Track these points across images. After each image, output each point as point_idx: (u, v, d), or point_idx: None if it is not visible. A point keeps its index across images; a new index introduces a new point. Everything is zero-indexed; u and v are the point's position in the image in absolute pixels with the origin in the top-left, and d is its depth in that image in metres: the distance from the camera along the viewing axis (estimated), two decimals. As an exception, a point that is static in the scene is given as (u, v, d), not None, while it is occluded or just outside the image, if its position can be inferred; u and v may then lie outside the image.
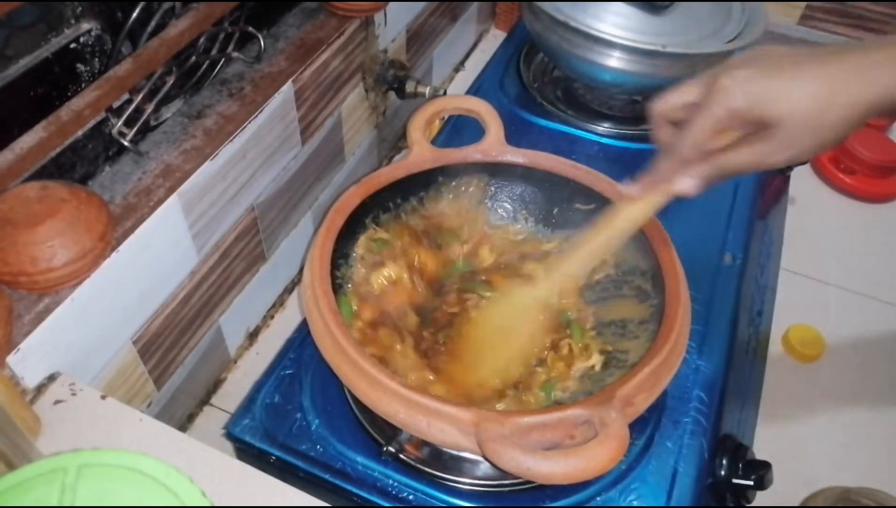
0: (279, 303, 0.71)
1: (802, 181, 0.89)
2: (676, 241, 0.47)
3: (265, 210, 0.62)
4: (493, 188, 0.56)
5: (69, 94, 0.47)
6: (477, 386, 0.45)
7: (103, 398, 0.41)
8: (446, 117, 0.67)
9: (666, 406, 0.49)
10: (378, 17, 0.69)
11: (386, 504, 0.44)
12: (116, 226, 0.45)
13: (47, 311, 0.41)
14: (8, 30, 0.42)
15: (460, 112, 0.57)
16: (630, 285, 0.51)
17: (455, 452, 0.45)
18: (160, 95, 0.51)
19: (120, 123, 0.49)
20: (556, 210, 0.55)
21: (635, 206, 0.40)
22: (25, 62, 0.44)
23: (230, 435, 0.47)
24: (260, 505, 0.36)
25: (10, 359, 0.39)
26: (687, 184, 0.38)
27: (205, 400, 0.64)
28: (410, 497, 0.44)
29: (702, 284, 0.55)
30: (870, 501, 0.58)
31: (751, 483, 0.47)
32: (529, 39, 0.78)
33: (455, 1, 0.89)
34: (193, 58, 0.54)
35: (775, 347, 0.73)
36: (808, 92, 0.33)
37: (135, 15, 0.48)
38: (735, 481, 0.47)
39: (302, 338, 0.51)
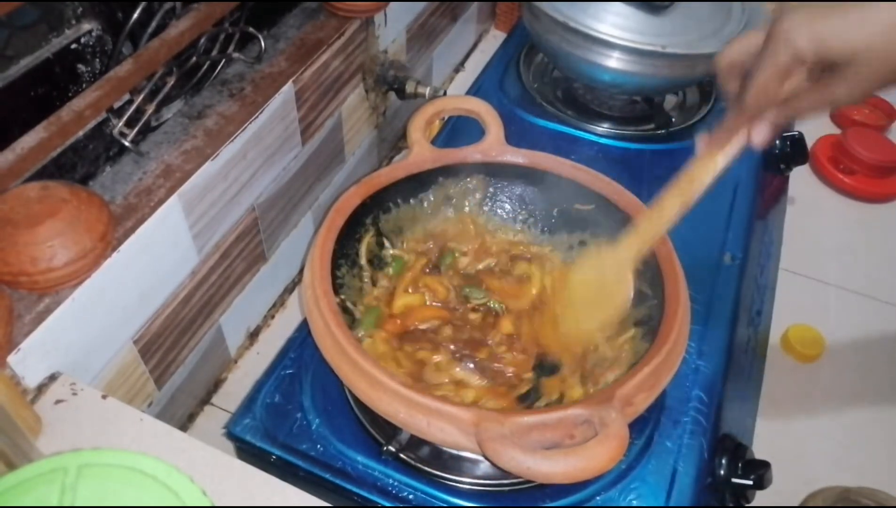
0: (280, 303, 0.71)
1: (802, 181, 0.89)
2: (676, 241, 0.47)
3: (266, 210, 0.62)
4: (492, 189, 0.56)
5: (70, 94, 0.47)
6: (566, 349, 0.47)
7: (104, 397, 0.41)
8: (446, 118, 0.67)
9: (665, 406, 0.49)
10: (378, 17, 0.69)
11: (386, 504, 0.44)
12: (117, 226, 0.45)
13: (48, 311, 0.41)
14: (9, 30, 0.42)
15: (460, 112, 0.57)
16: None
17: (455, 451, 0.45)
18: (161, 96, 0.51)
19: (121, 124, 0.49)
20: (555, 210, 0.55)
21: (710, 160, 0.40)
22: (26, 62, 0.44)
23: (231, 435, 0.47)
24: (260, 505, 0.36)
25: (11, 359, 0.39)
26: (758, 135, 0.37)
27: (205, 400, 0.64)
28: (411, 496, 0.44)
29: (701, 284, 0.55)
30: (869, 501, 0.58)
31: (750, 482, 0.47)
32: (529, 40, 0.78)
33: (455, 1, 0.89)
34: (194, 58, 0.54)
35: (775, 347, 0.73)
36: (876, 23, 0.32)
37: (135, 15, 0.48)
38: (734, 480, 0.47)
39: (302, 338, 0.52)
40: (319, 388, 0.49)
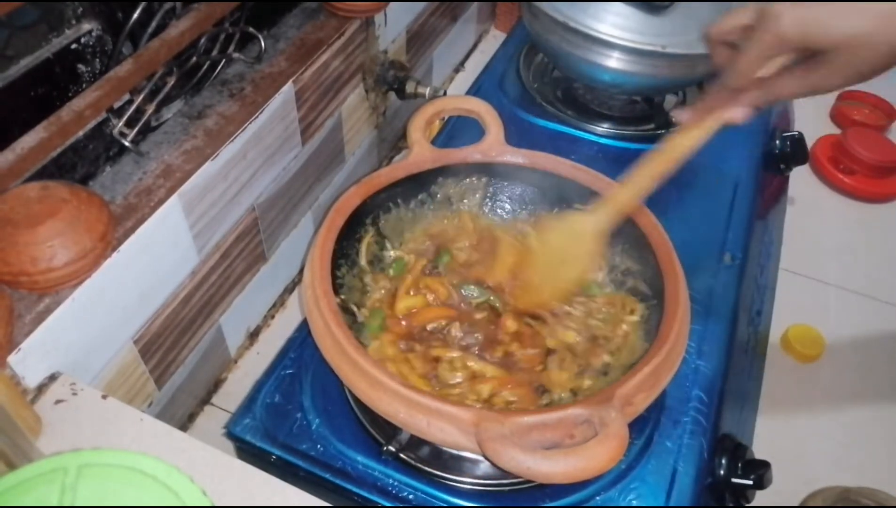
0: (280, 303, 0.71)
1: (802, 181, 0.89)
2: (676, 241, 0.47)
3: (266, 210, 0.62)
4: (492, 189, 0.56)
5: (70, 94, 0.47)
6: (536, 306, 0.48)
7: (104, 397, 0.41)
8: (446, 118, 0.67)
9: (665, 406, 0.49)
10: (378, 17, 0.69)
11: (386, 504, 0.44)
12: (117, 226, 0.45)
13: (48, 311, 0.41)
14: (9, 30, 0.42)
15: (460, 112, 0.57)
16: (628, 285, 0.51)
17: (455, 451, 0.45)
18: (161, 96, 0.51)
19: (121, 124, 0.49)
20: (555, 210, 0.55)
21: (688, 133, 0.40)
22: (26, 62, 0.44)
23: (231, 435, 0.47)
24: (260, 505, 0.36)
25: (11, 359, 0.39)
26: (737, 112, 0.38)
27: (205, 400, 0.64)
28: (411, 496, 0.44)
29: (701, 284, 0.55)
30: (869, 501, 0.58)
31: (750, 482, 0.47)
32: (529, 40, 0.78)
33: (455, 1, 0.89)
34: (194, 58, 0.54)
35: (775, 347, 0.73)
36: (862, 14, 0.32)
37: (135, 15, 0.48)
38: (734, 480, 0.47)
39: (302, 338, 0.52)
40: (319, 388, 0.49)
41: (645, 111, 0.73)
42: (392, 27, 0.74)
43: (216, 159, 0.52)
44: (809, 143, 0.76)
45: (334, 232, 0.47)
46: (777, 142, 0.73)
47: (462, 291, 0.51)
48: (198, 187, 0.51)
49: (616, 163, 0.67)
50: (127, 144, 0.49)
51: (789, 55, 0.35)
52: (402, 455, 0.45)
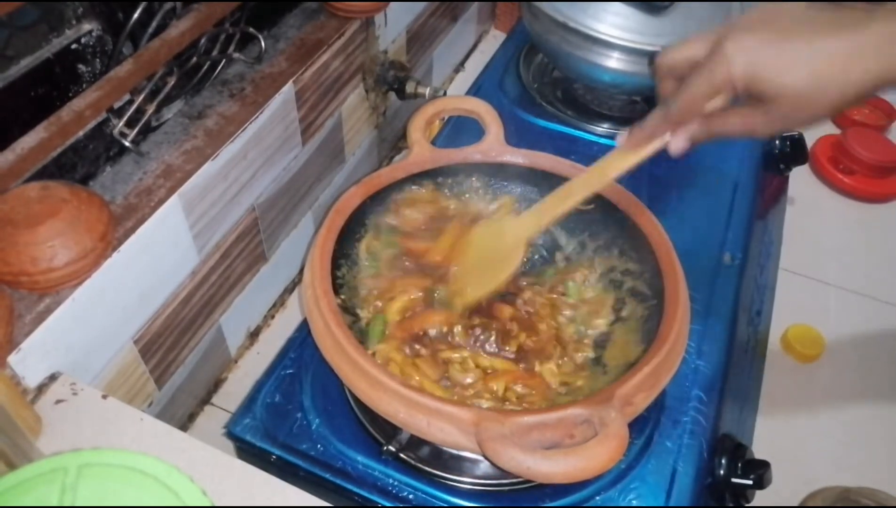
0: (280, 303, 0.71)
1: (801, 181, 0.89)
2: (676, 241, 0.47)
3: (266, 210, 0.62)
4: (492, 189, 0.56)
5: (70, 94, 0.47)
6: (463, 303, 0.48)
7: (104, 397, 0.41)
8: (446, 118, 0.67)
9: (665, 406, 0.49)
10: (378, 17, 0.69)
11: (386, 504, 0.44)
12: (117, 226, 0.46)
13: (48, 311, 0.41)
14: (9, 30, 0.42)
15: (460, 113, 0.57)
16: (627, 286, 0.51)
17: (455, 451, 0.45)
18: (161, 96, 0.51)
19: (121, 124, 0.49)
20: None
21: (623, 156, 0.41)
22: (26, 63, 0.44)
23: (231, 435, 0.47)
24: (260, 505, 0.36)
25: (11, 359, 0.39)
26: (675, 144, 0.38)
27: (206, 400, 0.64)
28: (411, 496, 0.44)
29: (701, 284, 0.55)
30: (869, 501, 0.58)
31: (750, 482, 0.47)
32: (529, 40, 0.78)
33: (455, 1, 0.89)
34: (194, 58, 0.54)
35: (774, 347, 0.73)
36: (807, 70, 0.32)
37: (136, 16, 0.48)
38: (734, 480, 0.47)
39: (302, 338, 0.52)
40: (319, 388, 0.49)
41: (645, 111, 0.72)
42: (392, 27, 0.74)
43: (216, 159, 0.52)
44: (809, 143, 0.76)
45: (334, 232, 0.47)
46: (777, 142, 0.73)
47: (435, 295, 0.50)
48: (198, 187, 0.51)
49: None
50: (127, 144, 0.49)
51: (731, 95, 0.35)
52: (402, 455, 0.45)
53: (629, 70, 0.64)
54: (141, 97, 0.50)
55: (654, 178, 0.57)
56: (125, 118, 0.49)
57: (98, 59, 0.48)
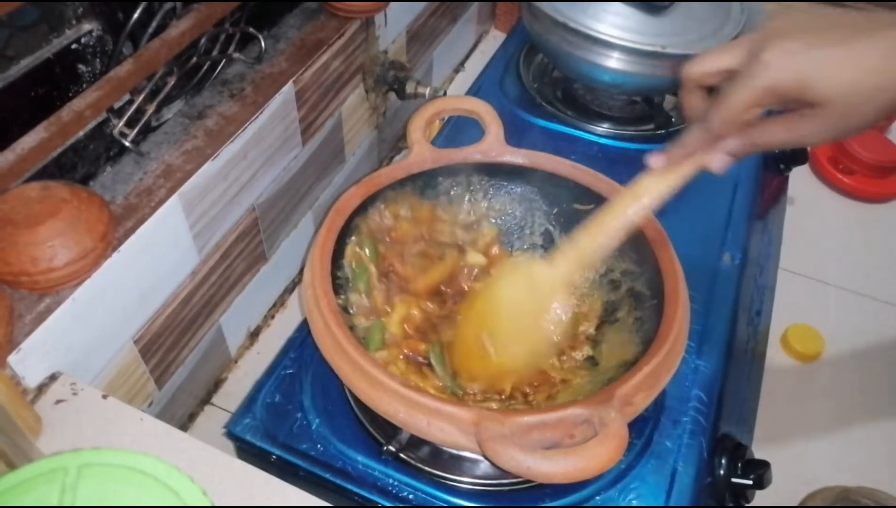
0: (280, 303, 0.71)
1: (801, 181, 0.89)
2: (675, 241, 0.47)
3: (266, 210, 0.62)
4: (492, 189, 0.56)
5: (70, 94, 0.47)
6: (499, 378, 0.43)
7: (104, 397, 0.41)
8: (446, 118, 0.67)
9: (665, 406, 0.49)
10: (378, 17, 0.69)
11: (386, 504, 0.44)
12: (117, 226, 0.46)
13: (48, 311, 0.41)
14: (9, 30, 0.42)
15: (460, 113, 0.57)
16: (626, 286, 0.51)
17: (455, 451, 0.45)
18: (161, 96, 0.51)
19: (121, 124, 0.49)
20: (555, 210, 0.55)
21: (661, 179, 0.38)
22: (27, 63, 0.44)
23: (231, 435, 0.47)
24: (260, 505, 0.36)
25: (12, 359, 0.39)
26: (717, 160, 0.36)
27: (206, 400, 0.64)
28: (411, 496, 0.44)
29: (701, 284, 0.55)
30: (869, 500, 0.59)
31: (750, 482, 0.47)
32: (529, 40, 0.78)
33: (455, 1, 0.89)
34: (194, 58, 0.54)
35: (774, 347, 0.73)
36: (856, 73, 0.31)
37: (136, 16, 0.48)
38: (734, 480, 0.47)
39: (302, 338, 0.52)
40: (319, 388, 0.49)
41: (645, 111, 0.73)
42: (392, 27, 0.74)
43: (216, 159, 0.52)
44: (809, 143, 0.76)
45: (334, 232, 0.47)
46: (777, 142, 0.73)
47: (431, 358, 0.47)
48: (198, 187, 0.51)
49: (616, 163, 0.67)
50: (127, 144, 0.49)
51: (773, 103, 0.34)
52: (402, 455, 0.45)
53: (629, 70, 0.64)
54: (141, 97, 0.50)
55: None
56: (125, 118, 0.49)
57: (98, 60, 0.48)
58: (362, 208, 0.50)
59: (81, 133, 0.46)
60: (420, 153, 0.53)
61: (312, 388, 0.49)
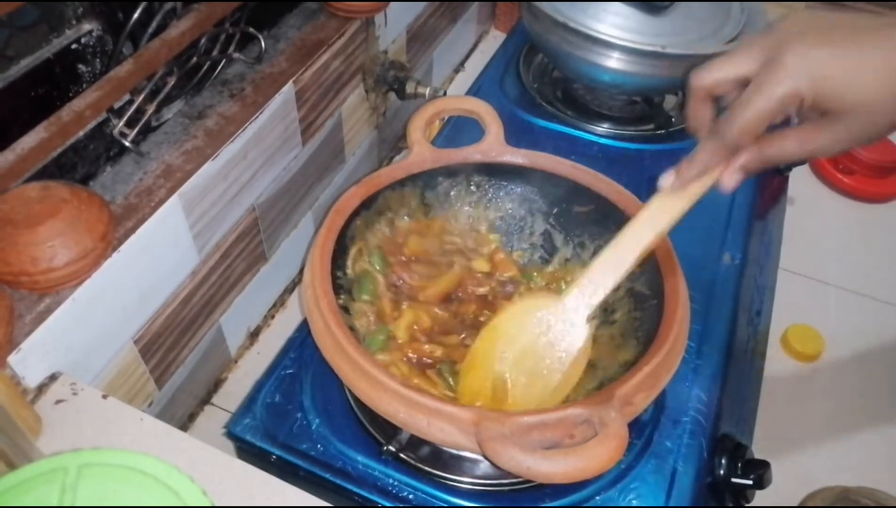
0: (280, 303, 0.71)
1: (801, 182, 0.89)
2: (675, 241, 0.47)
3: (266, 210, 0.62)
4: (492, 189, 0.56)
5: (70, 94, 0.47)
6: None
7: (104, 397, 0.41)
8: (446, 118, 0.67)
9: (665, 406, 0.49)
10: (378, 18, 0.69)
11: (386, 504, 0.44)
12: (117, 226, 0.46)
13: (48, 311, 0.41)
14: (9, 30, 0.42)
15: (460, 113, 0.57)
16: (624, 287, 0.51)
17: (455, 451, 0.45)
18: (161, 96, 0.51)
19: (121, 124, 0.49)
20: (555, 210, 0.55)
21: (673, 200, 0.36)
22: (26, 63, 0.44)
23: (231, 435, 0.47)
24: (260, 505, 0.36)
25: (12, 359, 0.39)
26: (730, 177, 0.34)
27: (206, 400, 0.64)
28: (410, 496, 0.44)
29: (701, 284, 0.55)
30: (869, 500, 0.59)
31: (750, 482, 0.47)
32: (529, 40, 0.78)
33: (455, 1, 0.89)
34: (194, 59, 0.54)
35: (774, 347, 0.73)
36: (881, 79, 0.29)
37: (136, 16, 0.48)
38: (734, 480, 0.47)
39: (302, 338, 0.52)
40: (319, 388, 0.49)
41: (645, 111, 0.73)
42: (392, 27, 0.74)
43: (216, 159, 0.52)
44: (809, 143, 0.76)
45: (334, 232, 0.47)
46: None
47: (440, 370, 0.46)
48: (198, 187, 0.51)
49: (616, 163, 0.67)
50: (127, 144, 0.49)
51: (792, 113, 0.32)
52: (402, 455, 0.45)
53: (629, 70, 0.64)
54: (141, 97, 0.50)
55: (653, 178, 0.57)
56: (125, 118, 0.49)
57: (98, 60, 0.48)
58: (366, 216, 0.51)
59: (81, 133, 0.46)
60: (420, 153, 0.53)
61: (312, 388, 0.49)
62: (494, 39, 1.03)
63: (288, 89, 0.58)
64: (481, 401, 0.41)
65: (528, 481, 0.44)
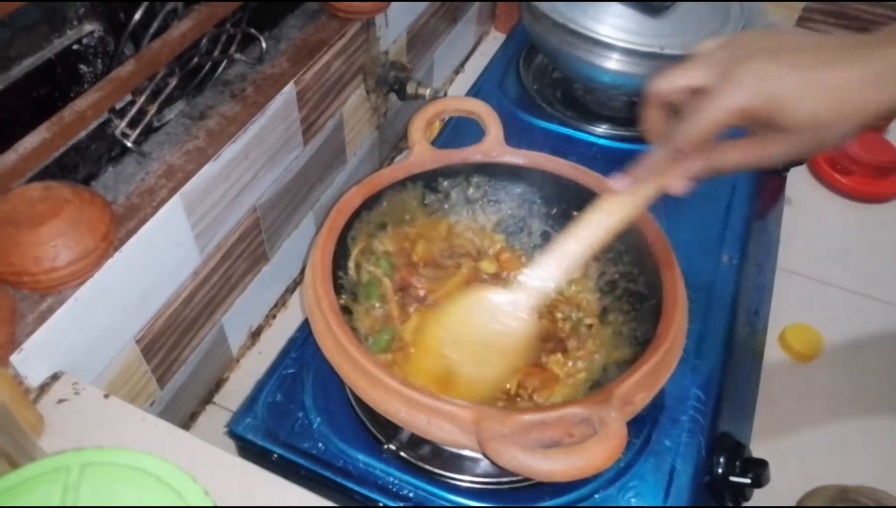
0: (281, 303, 0.71)
1: (799, 182, 0.89)
2: (674, 241, 0.48)
3: (267, 211, 0.62)
4: (492, 189, 0.56)
5: (72, 95, 0.47)
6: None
7: (106, 397, 0.41)
8: (447, 119, 0.67)
9: (664, 405, 0.49)
10: (379, 18, 0.70)
11: (387, 502, 0.44)
12: (119, 226, 0.46)
13: (50, 311, 0.41)
14: (11, 31, 0.42)
15: (460, 113, 0.58)
16: (623, 287, 0.51)
17: (455, 450, 0.45)
18: (163, 97, 0.52)
19: (123, 124, 0.49)
20: (554, 211, 0.55)
21: (623, 202, 0.38)
22: (28, 63, 0.44)
23: (233, 434, 0.47)
24: (262, 504, 0.37)
25: (14, 358, 0.40)
26: (677, 182, 0.35)
27: (207, 399, 0.64)
28: (411, 494, 0.44)
29: (700, 283, 0.55)
30: (868, 499, 0.59)
31: (748, 481, 0.47)
32: (529, 41, 0.78)
33: (455, 2, 0.89)
34: (196, 59, 0.54)
35: (772, 346, 0.73)
36: (828, 99, 0.30)
37: (137, 16, 0.48)
38: (733, 479, 0.47)
39: (304, 337, 0.52)
40: (321, 387, 0.49)
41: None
42: (393, 28, 0.74)
43: (218, 160, 0.52)
44: (808, 143, 0.76)
45: (335, 232, 0.47)
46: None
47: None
48: (199, 188, 0.51)
49: (615, 164, 0.67)
50: (129, 144, 0.49)
51: (739, 124, 0.33)
52: (402, 454, 0.45)
53: (629, 71, 0.64)
54: (143, 98, 0.50)
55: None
56: (127, 119, 0.49)
57: (100, 60, 0.48)
58: (370, 220, 0.51)
59: (83, 133, 0.47)
60: (421, 154, 0.54)
61: (314, 387, 0.49)
62: (494, 40, 1.03)
63: (289, 90, 0.58)
64: (430, 382, 0.43)
65: (528, 479, 0.44)
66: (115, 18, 0.48)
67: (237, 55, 0.58)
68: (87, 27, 0.47)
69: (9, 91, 0.43)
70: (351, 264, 0.50)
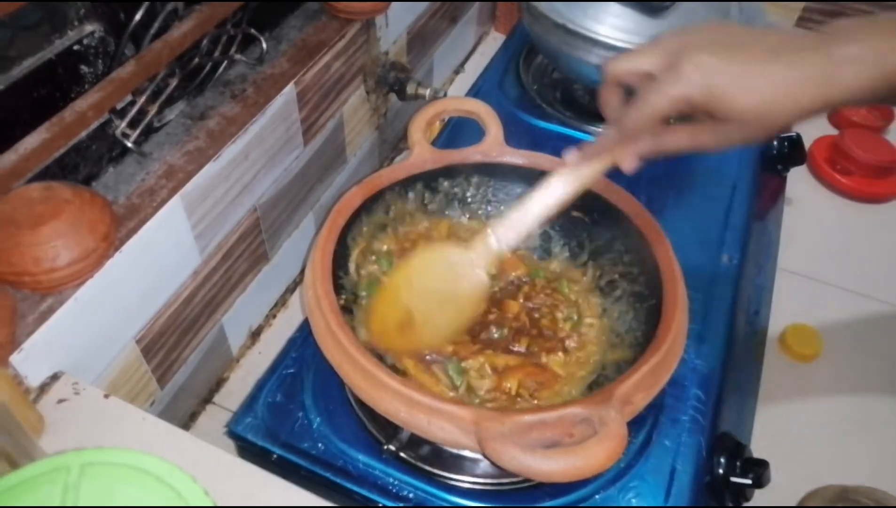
0: (281, 303, 0.71)
1: (799, 182, 0.89)
2: (674, 241, 0.48)
3: (267, 211, 0.62)
4: (492, 189, 0.56)
5: (73, 95, 0.47)
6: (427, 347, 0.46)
7: (106, 397, 0.41)
8: (447, 119, 0.67)
9: (664, 405, 0.49)
10: (379, 19, 0.70)
11: (387, 503, 0.44)
12: (120, 226, 0.46)
13: (50, 311, 0.42)
14: (11, 31, 0.42)
15: (460, 114, 0.58)
16: (622, 287, 0.51)
17: (455, 450, 0.45)
18: (163, 97, 0.52)
19: (123, 125, 0.49)
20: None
21: (574, 175, 0.40)
22: (29, 63, 0.44)
23: (232, 434, 0.47)
24: (261, 504, 0.37)
25: (14, 358, 0.40)
26: (627, 161, 0.38)
27: (207, 399, 0.64)
28: (411, 494, 0.44)
29: (699, 283, 0.55)
30: (868, 500, 0.59)
31: (749, 481, 0.47)
32: (529, 41, 0.78)
33: (455, 2, 0.89)
34: (196, 60, 0.54)
35: (772, 346, 0.73)
36: (763, 94, 0.32)
37: (138, 17, 0.48)
38: (733, 479, 0.47)
39: (303, 337, 0.52)
40: (320, 387, 0.49)
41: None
42: (393, 29, 0.74)
43: (218, 160, 0.52)
44: (807, 143, 0.76)
45: (335, 232, 0.47)
46: (775, 143, 0.73)
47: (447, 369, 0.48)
48: (200, 188, 0.51)
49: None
50: (129, 144, 0.50)
51: (683, 112, 0.35)
52: (402, 454, 0.45)
53: (628, 71, 0.64)
54: (143, 98, 0.50)
55: (652, 179, 0.57)
56: (127, 119, 0.49)
57: (100, 61, 0.48)
58: (371, 221, 0.51)
59: (84, 134, 0.47)
60: (421, 154, 0.54)
61: (313, 387, 0.49)
62: (494, 41, 1.03)
63: (289, 90, 0.58)
64: (391, 327, 0.46)
65: (528, 480, 0.44)
66: (115, 19, 0.48)
67: (237, 56, 0.58)
68: (88, 27, 0.47)
69: (9, 91, 0.43)
70: (351, 264, 0.50)
